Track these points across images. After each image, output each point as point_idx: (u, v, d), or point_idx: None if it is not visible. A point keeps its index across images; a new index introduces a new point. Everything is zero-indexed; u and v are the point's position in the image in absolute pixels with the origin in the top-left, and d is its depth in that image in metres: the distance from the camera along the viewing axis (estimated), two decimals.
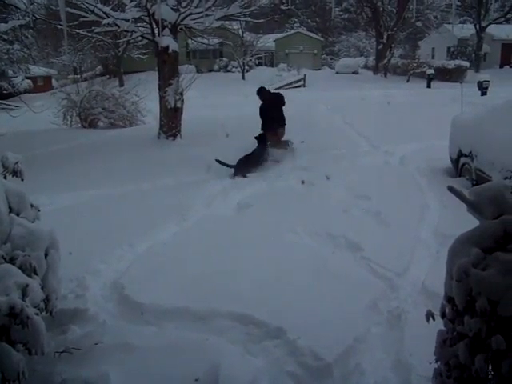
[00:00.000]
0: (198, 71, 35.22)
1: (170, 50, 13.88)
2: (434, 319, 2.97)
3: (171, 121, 14.31)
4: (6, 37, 17.38)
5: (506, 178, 7.46)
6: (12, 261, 3.94)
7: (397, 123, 15.41)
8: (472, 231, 2.81)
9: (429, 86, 34.03)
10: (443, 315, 2.91)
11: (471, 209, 2.96)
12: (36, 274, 4.00)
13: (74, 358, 4.30)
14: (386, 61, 45.53)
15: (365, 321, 4.96)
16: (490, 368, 2.67)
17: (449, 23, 46.97)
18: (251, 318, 4.89)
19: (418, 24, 49.79)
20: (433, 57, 48.29)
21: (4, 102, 23.82)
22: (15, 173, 5.22)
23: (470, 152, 9.00)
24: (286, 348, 4.51)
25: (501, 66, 46.92)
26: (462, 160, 9.42)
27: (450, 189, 3.02)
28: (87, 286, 5.54)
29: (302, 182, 9.39)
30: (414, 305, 5.14)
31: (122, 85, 36.29)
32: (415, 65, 42.75)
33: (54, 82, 50.25)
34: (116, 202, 8.44)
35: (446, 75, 38.76)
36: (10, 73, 29.19)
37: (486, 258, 2.65)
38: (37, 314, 3.63)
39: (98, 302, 5.32)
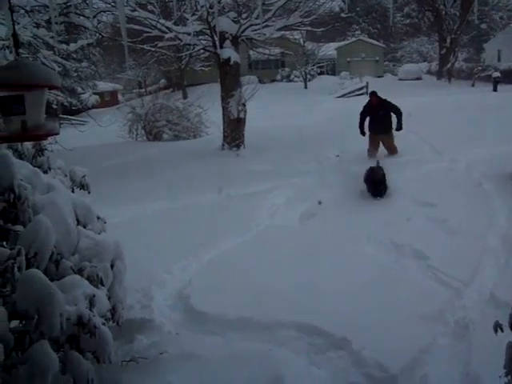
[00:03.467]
0: (260, 82, 35.48)
1: (232, 62, 14.05)
2: (502, 330, 2.87)
3: (234, 131, 14.47)
4: (75, 55, 18.06)
5: None
6: (80, 272, 4.07)
7: (462, 128, 15.01)
8: None
9: (495, 90, 32.99)
10: None
11: None
12: (102, 284, 4.11)
13: (140, 367, 4.38)
14: (449, 65, 44.54)
15: (431, 331, 4.84)
16: None
17: None
18: (315, 328, 4.86)
19: (483, 26, 48.52)
20: (499, 59, 46.75)
21: (73, 117, 24.66)
22: (82, 186, 5.41)
23: None
24: (350, 359, 4.46)
25: None
26: None
27: None
28: (153, 297, 5.64)
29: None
30: (481, 315, 4.98)
31: (185, 97, 36.91)
32: (480, 68, 41.56)
33: (119, 96, 51.73)
34: (180, 213, 8.57)
35: None
36: (79, 89, 30.25)
37: None
38: (104, 324, 3.73)
39: (164, 312, 5.41)
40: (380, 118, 12.01)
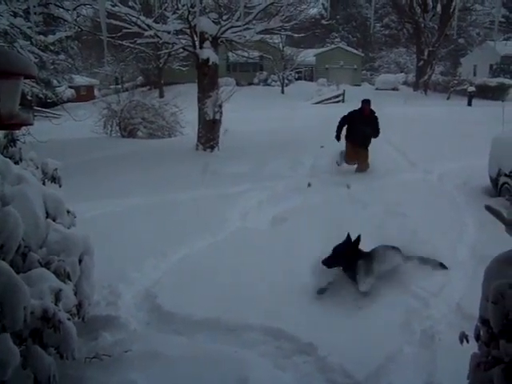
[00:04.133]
0: (237, 84, 35.45)
1: (210, 63, 14.02)
2: (467, 341, 2.89)
3: (209, 133, 14.44)
4: (52, 47, 17.83)
5: None
6: (47, 265, 4.00)
7: (436, 141, 15.22)
8: (510, 252, 2.74)
9: (469, 104, 33.48)
10: (478, 338, 2.83)
11: (510, 229, 2.89)
12: (70, 279, 4.05)
13: (104, 365, 4.32)
14: (426, 77, 45.09)
15: (397, 340, 4.87)
16: None
17: (492, 40, 46.19)
18: (282, 332, 4.86)
19: (460, 41, 49.30)
20: (474, 74, 47.47)
21: (47, 110, 24.34)
22: (54, 179, 5.33)
23: (511, 171, 8.84)
24: (315, 364, 4.46)
25: None
26: (502, 179, 9.24)
27: (488, 208, 2.96)
28: (120, 294, 5.58)
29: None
30: (448, 325, 5.02)
31: (162, 96, 36.73)
32: (456, 82, 42.14)
33: (96, 91, 51.22)
34: (152, 211, 8.51)
35: (487, 93, 38.09)
36: (55, 82, 29.88)
37: None
38: (69, 319, 3.66)
39: (130, 310, 5.35)
40: (365, 130, 11.42)
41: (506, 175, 9.09)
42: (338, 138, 11.78)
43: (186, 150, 14.53)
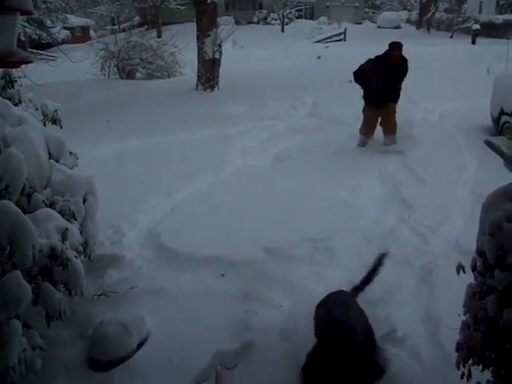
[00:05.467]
0: (236, 23, 34.81)
1: (209, 1, 13.75)
2: (464, 272, 2.99)
3: (209, 72, 14.29)
4: None
5: None
6: (52, 205, 4.07)
7: (438, 80, 15.06)
8: (507, 186, 2.79)
9: (473, 43, 32.87)
10: (474, 269, 2.92)
11: (507, 163, 2.93)
12: (75, 218, 4.13)
13: (111, 301, 4.46)
14: (429, 15, 44.13)
15: (397, 274, 5.00)
16: None
17: None
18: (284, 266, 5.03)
19: None
20: (480, 11, 46.30)
21: (43, 52, 23.99)
22: (54, 121, 5.33)
23: None
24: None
25: None
26: (504, 118, 9.23)
27: (487, 142, 3.00)
28: (124, 233, 5.68)
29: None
30: (446, 261, 5.12)
31: (159, 36, 36.06)
32: (460, 20, 41.20)
33: (92, 32, 50.28)
34: (153, 152, 8.54)
35: (493, 31, 37.26)
36: (48, 22, 29.32)
37: None
38: (76, 257, 3.76)
39: (134, 249, 5.47)
40: (393, 83, 8.79)
41: (507, 114, 9.07)
42: (360, 81, 8.91)
43: (186, 91, 14.41)
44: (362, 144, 8.95)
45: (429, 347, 4.13)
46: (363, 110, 9.05)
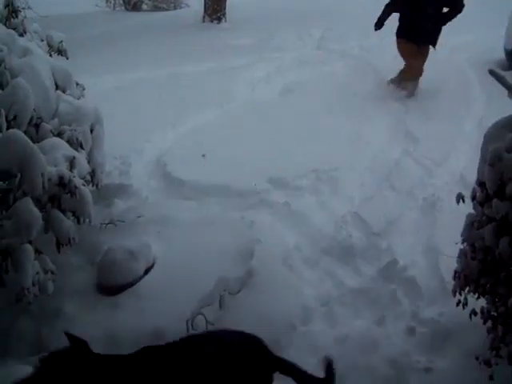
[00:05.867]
0: None
1: None
2: (463, 202, 3.05)
3: (216, 4, 14.00)
4: None
5: None
6: (59, 135, 4.13)
7: None
8: (509, 116, 2.81)
9: None
10: (474, 198, 2.98)
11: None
12: (82, 148, 4.19)
13: (118, 230, 4.56)
14: None
15: (400, 206, 5.08)
16: None
17: None
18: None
19: None
20: None
21: None
22: (60, 52, 5.32)
23: None
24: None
25: None
26: None
27: (491, 72, 3.00)
28: (131, 163, 5.76)
29: None
30: (449, 193, 5.17)
31: None
32: None
33: None
34: (160, 84, 8.47)
35: None
36: None
37: None
38: (83, 185, 3.85)
39: (141, 179, 5.57)
40: (431, 17, 7.59)
41: None
42: (379, 24, 7.89)
43: (193, 23, 14.14)
44: (412, 92, 7.77)
45: (428, 277, 4.26)
46: (405, 46, 7.70)
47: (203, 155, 5.76)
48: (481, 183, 2.88)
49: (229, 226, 4.53)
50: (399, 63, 9.19)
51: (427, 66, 8.41)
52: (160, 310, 3.85)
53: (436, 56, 10.35)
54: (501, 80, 2.98)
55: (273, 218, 4.85)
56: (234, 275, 3.97)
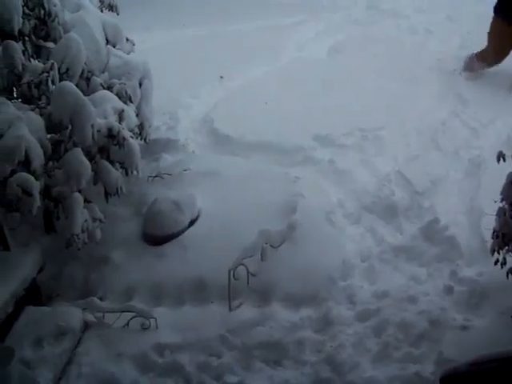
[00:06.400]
0: None
1: None
2: (504, 160, 3.03)
3: None
4: None
5: None
6: (109, 88, 4.26)
7: None
8: None
9: None
10: None
11: None
12: (131, 101, 4.32)
13: (165, 182, 4.70)
14: None
15: (445, 166, 5.06)
16: None
17: None
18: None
19: None
20: None
21: None
22: (111, 7, 5.42)
23: None
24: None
25: None
26: None
27: None
28: (178, 119, 5.83)
29: None
30: (495, 155, 5.10)
31: None
32: None
33: None
34: (209, 40, 8.45)
35: None
36: None
37: None
38: (132, 138, 3.97)
39: (189, 134, 5.66)
40: None
41: None
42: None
43: None
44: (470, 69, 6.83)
45: (469, 236, 4.26)
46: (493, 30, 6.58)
47: (266, 103, 5.98)
48: None
49: (273, 181, 4.63)
50: (454, 24, 8.96)
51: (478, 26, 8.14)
52: (203, 260, 4.00)
53: (490, 14, 10.01)
54: None
55: (317, 175, 4.92)
56: (276, 228, 4.04)
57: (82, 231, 3.69)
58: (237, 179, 4.66)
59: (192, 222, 4.31)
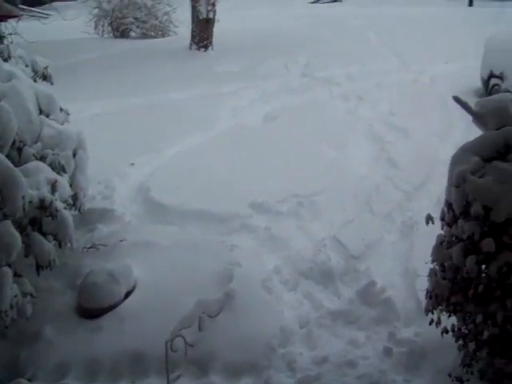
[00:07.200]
0: None
1: None
2: (433, 223, 3.13)
3: (203, 32, 14.21)
4: None
5: None
6: (42, 159, 4.19)
7: (432, 42, 15.00)
8: (474, 141, 2.92)
9: (471, 5, 32.37)
10: (443, 219, 3.07)
11: (475, 119, 3.06)
12: (64, 171, 4.25)
13: (101, 254, 4.61)
14: None
15: (378, 229, 5.16)
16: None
17: None
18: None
19: None
20: None
21: (35, 9, 23.63)
22: (44, 77, 5.40)
23: (502, 73, 8.88)
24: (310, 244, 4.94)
25: None
26: (493, 81, 9.28)
27: (455, 99, 3.11)
28: (114, 188, 5.82)
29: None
30: None
31: None
32: None
33: None
34: (145, 110, 8.57)
35: None
36: None
37: (485, 166, 2.76)
38: (65, 209, 3.90)
39: (124, 203, 5.62)
40: None
41: (496, 76, 9.13)
42: None
43: (180, 50, 14.32)
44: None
45: (405, 298, 4.33)
46: None
47: (178, 187, 5.86)
48: (448, 204, 2.98)
49: (209, 250, 4.61)
50: (383, 91, 9.44)
51: (409, 93, 8.56)
52: (140, 333, 3.90)
53: (417, 85, 10.60)
54: (464, 106, 3.10)
55: (253, 243, 4.92)
56: (213, 297, 4.01)
57: (11, 307, 3.54)
58: (173, 249, 4.62)
59: (128, 294, 4.22)
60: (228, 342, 3.86)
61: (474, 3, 31.81)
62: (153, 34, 18.76)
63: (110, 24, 18.84)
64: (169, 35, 18.84)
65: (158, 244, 4.68)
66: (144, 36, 18.57)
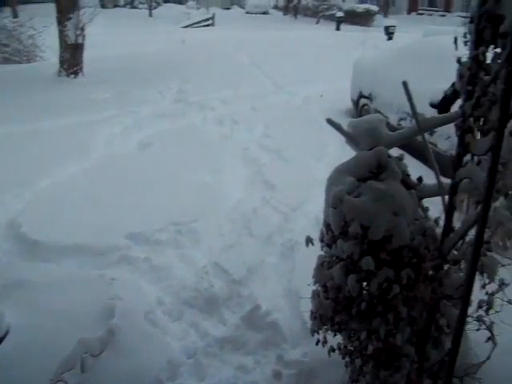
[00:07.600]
0: (102, 6, 33.59)
1: None
2: (312, 244, 3.18)
3: (72, 57, 13.82)
4: None
5: (401, 119, 7.83)
6: None
7: (303, 65, 15.61)
8: (348, 161, 3.00)
9: (338, 29, 34.31)
10: (322, 240, 3.12)
11: (349, 140, 3.16)
12: None
13: None
14: (296, 1, 45.45)
15: (259, 253, 5.20)
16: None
17: None
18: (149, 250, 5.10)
19: None
20: (343, 0, 48.29)
21: None
22: None
23: (370, 94, 9.40)
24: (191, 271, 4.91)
25: (408, 13, 47.49)
26: (362, 101, 9.82)
27: (329, 121, 3.20)
28: None
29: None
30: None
31: (15, 16, 33.97)
32: (325, 7, 42.87)
33: None
34: (12, 140, 8.13)
35: (355, 19, 39.00)
36: None
37: (360, 186, 2.84)
38: None
39: None
40: None
41: (365, 97, 9.65)
42: None
43: (48, 77, 13.79)
44: None
45: (290, 319, 4.36)
46: None
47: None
48: (327, 225, 3.03)
49: (88, 286, 4.41)
50: (258, 114, 9.65)
51: (282, 114, 8.78)
52: (17, 381, 3.62)
53: (290, 105, 10.96)
54: (337, 128, 3.20)
55: (133, 275, 4.78)
56: (95, 336, 3.82)
57: None
58: (50, 287, 4.36)
59: (0, 341, 3.91)
60: (114, 381, 3.68)
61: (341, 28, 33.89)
62: (17, 59, 17.89)
63: None
64: (35, 61, 18.08)
65: (32, 283, 4.40)
66: (7, 61, 17.65)
